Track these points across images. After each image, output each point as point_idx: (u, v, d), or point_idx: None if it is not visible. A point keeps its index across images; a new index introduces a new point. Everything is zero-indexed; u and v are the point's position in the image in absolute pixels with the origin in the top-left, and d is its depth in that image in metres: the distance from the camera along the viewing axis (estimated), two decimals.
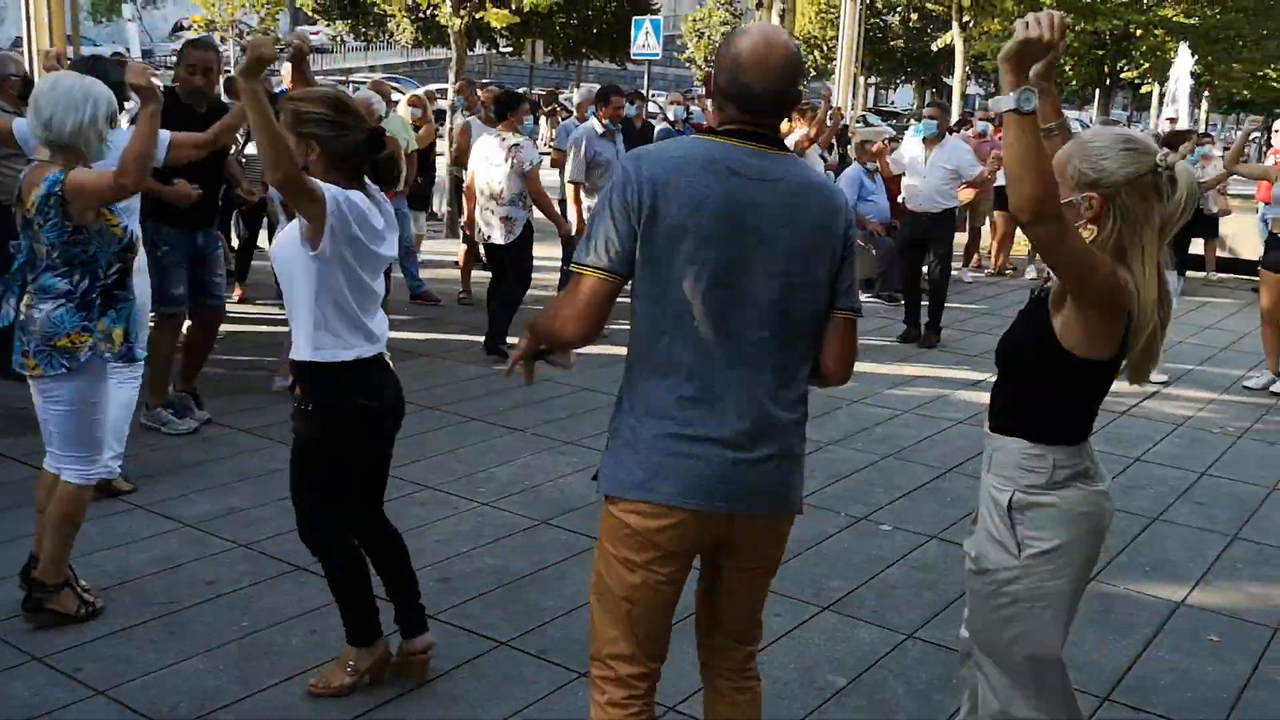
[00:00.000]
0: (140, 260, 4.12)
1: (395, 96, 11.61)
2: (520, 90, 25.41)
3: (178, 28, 44.25)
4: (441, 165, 12.90)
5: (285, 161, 2.83)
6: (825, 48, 41.04)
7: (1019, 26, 2.08)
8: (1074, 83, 34.73)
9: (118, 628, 3.63)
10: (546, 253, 8.78)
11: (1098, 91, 35.10)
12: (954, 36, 22.69)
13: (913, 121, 25.03)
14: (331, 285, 3.00)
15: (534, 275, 7.72)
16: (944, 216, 8.82)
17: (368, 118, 3.06)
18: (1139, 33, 29.64)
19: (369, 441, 3.21)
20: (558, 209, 7.88)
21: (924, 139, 8.82)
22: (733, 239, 2.22)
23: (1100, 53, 31.95)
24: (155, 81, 3.66)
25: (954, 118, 15.81)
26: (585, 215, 7.79)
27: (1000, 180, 11.98)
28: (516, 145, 7.48)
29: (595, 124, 8.15)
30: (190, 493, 4.83)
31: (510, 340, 7.72)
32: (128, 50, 41.01)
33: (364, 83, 23.76)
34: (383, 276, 3.24)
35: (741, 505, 2.31)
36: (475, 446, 5.69)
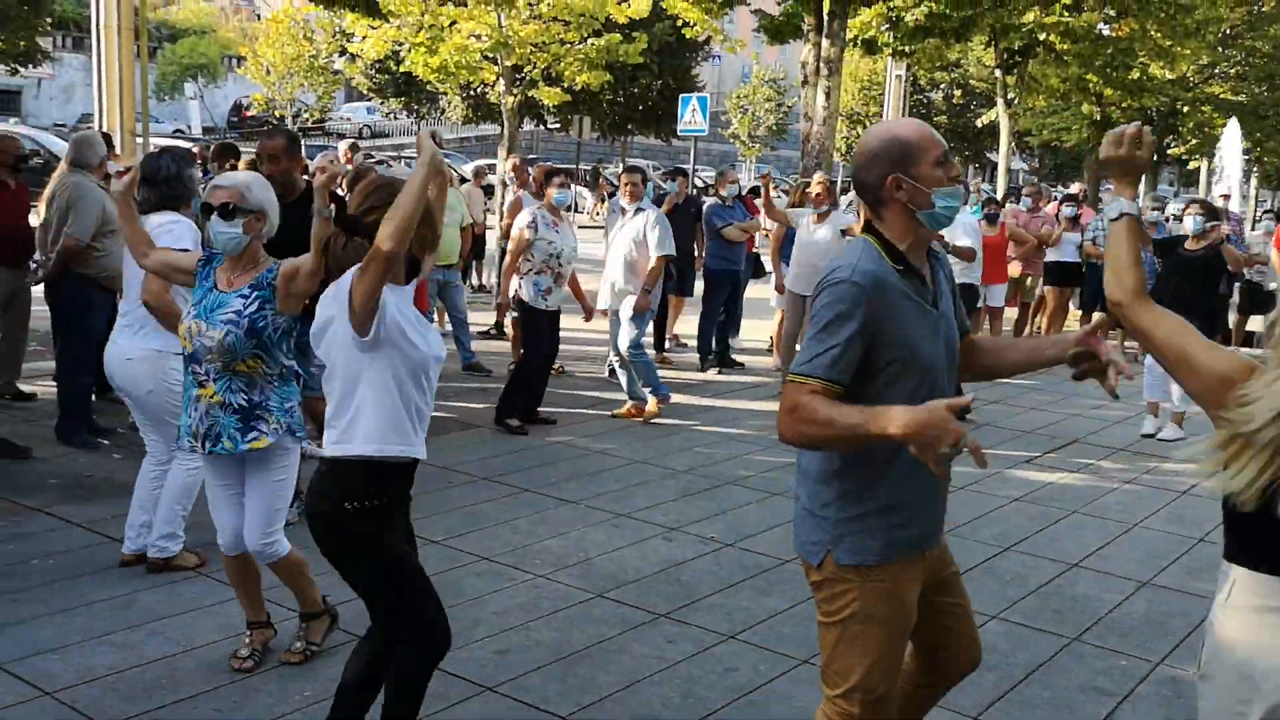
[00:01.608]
0: None
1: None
2: (561, 165, 25.68)
3: (237, 106, 45.61)
4: (492, 239, 13.14)
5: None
6: (869, 123, 41.42)
7: (1111, 144, 2.43)
8: None
9: (183, 695, 3.66)
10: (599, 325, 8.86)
11: None
12: (999, 113, 22.80)
13: None
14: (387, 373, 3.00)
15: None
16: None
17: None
18: (1186, 110, 29.65)
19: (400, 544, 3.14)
20: (512, 281, 7.60)
21: None
22: None
23: (1147, 129, 32.00)
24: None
25: (999, 193, 15.88)
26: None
27: (1051, 255, 12.02)
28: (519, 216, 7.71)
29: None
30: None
31: (548, 409, 7.79)
32: (189, 127, 42.37)
33: (415, 158, 24.29)
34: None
35: None
36: (529, 518, 5.71)
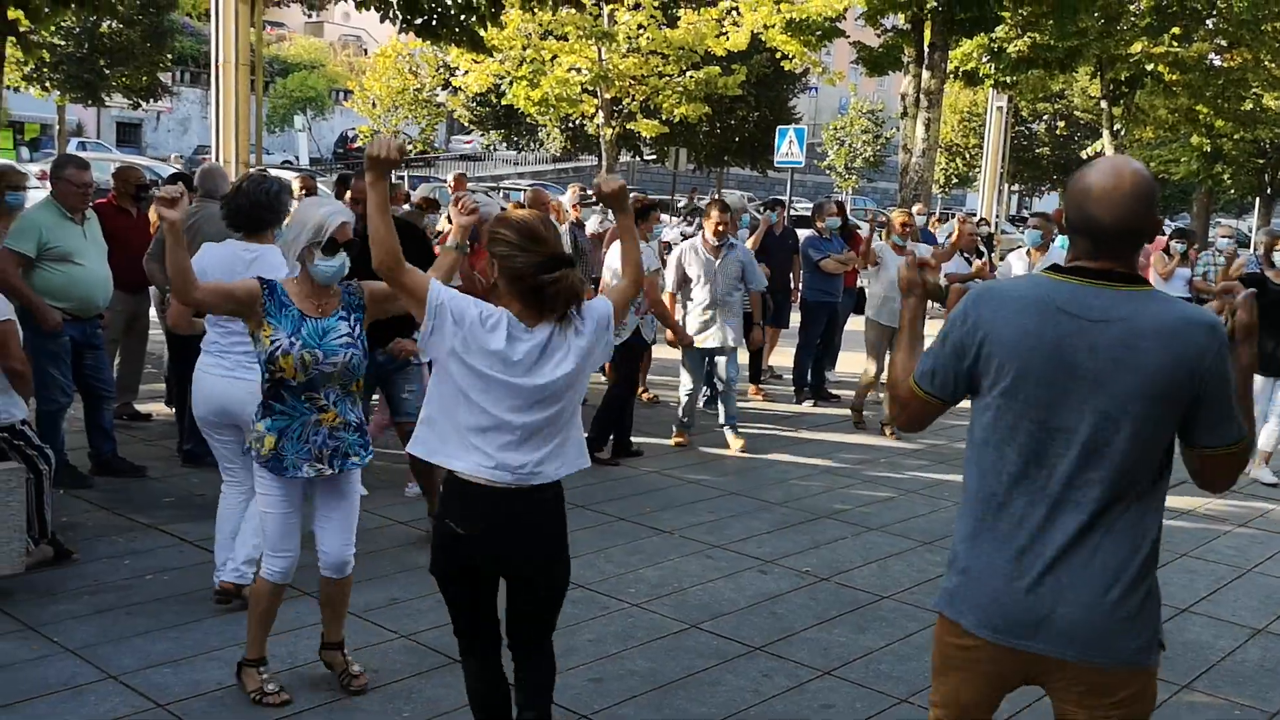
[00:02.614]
0: None
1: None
2: (659, 197, 25.76)
3: (343, 138, 46.98)
4: None
5: (382, 253, 2.92)
6: (968, 155, 40.89)
7: None
8: (1233, 191, 33.66)
9: (287, 712, 3.75)
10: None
11: (1258, 200, 33.90)
12: (1104, 144, 22.34)
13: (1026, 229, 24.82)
14: (440, 386, 2.99)
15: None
16: None
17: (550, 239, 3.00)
18: None
19: (449, 566, 3.07)
20: (676, 317, 7.78)
21: (1028, 250, 9.20)
22: (1054, 377, 2.27)
23: (1260, 161, 30.96)
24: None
25: None
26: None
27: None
28: None
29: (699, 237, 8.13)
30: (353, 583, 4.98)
31: (635, 443, 7.80)
32: (296, 159, 43.76)
33: (516, 190, 24.73)
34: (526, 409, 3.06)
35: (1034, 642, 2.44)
36: (624, 547, 5.73)
